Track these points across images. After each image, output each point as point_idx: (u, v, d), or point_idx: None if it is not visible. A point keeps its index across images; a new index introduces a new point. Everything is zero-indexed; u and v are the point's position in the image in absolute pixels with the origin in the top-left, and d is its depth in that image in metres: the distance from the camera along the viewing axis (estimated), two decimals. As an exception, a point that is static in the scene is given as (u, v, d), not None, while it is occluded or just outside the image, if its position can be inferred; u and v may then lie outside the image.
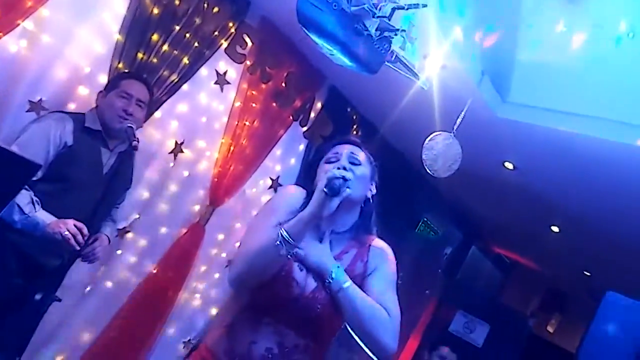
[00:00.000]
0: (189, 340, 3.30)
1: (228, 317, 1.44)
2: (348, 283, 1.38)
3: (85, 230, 1.91)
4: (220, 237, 3.28)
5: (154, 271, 2.99)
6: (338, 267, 1.41)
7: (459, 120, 2.32)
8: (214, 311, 3.38)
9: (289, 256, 1.34)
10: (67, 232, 1.87)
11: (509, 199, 4.03)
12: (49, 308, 2.02)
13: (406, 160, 4.13)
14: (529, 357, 5.58)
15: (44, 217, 1.92)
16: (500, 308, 5.84)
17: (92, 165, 2.14)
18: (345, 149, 1.54)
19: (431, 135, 2.28)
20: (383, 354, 1.39)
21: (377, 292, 1.45)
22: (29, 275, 2.02)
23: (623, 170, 2.83)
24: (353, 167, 1.50)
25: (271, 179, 3.44)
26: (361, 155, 1.55)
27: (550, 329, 7.42)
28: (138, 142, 2.03)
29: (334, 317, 1.41)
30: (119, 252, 2.81)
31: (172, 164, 2.88)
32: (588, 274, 5.46)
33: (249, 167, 3.23)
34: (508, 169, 3.39)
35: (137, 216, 2.81)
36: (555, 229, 4.37)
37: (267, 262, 1.35)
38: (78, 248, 1.90)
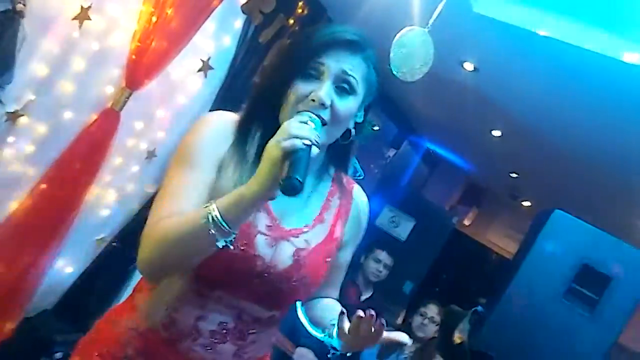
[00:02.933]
0: (102, 237, 2.96)
1: (161, 284, 1.09)
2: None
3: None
4: (139, 125, 2.82)
5: (58, 162, 2.53)
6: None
7: (435, 12, 1.94)
8: (132, 207, 3.02)
9: (226, 246, 0.94)
10: None
11: (459, 100, 3.81)
12: None
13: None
14: (446, 249, 5.82)
15: None
16: (426, 204, 5.93)
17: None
18: (335, 64, 1.02)
19: (403, 30, 1.89)
20: None
21: (341, 267, 1.23)
22: None
23: (587, 82, 2.65)
24: (339, 98, 1.02)
25: (202, 60, 2.93)
26: (359, 72, 1.05)
27: (466, 222, 7.77)
28: (25, 4, 1.49)
29: (308, 288, 1.12)
30: (10, 139, 2.31)
31: (76, 34, 2.31)
32: (515, 175, 5.57)
33: (175, 43, 2.68)
34: (466, 69, 3.11)
35: (33, 97, 2.27)
36: (496, 133, 4.27)
37: (193, 251, 0.97)
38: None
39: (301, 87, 1.02)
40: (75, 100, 2.44)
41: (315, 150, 0.92)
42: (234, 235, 0.94)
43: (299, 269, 1.08)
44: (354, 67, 1.04)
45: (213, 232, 0.91)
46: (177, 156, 1.08)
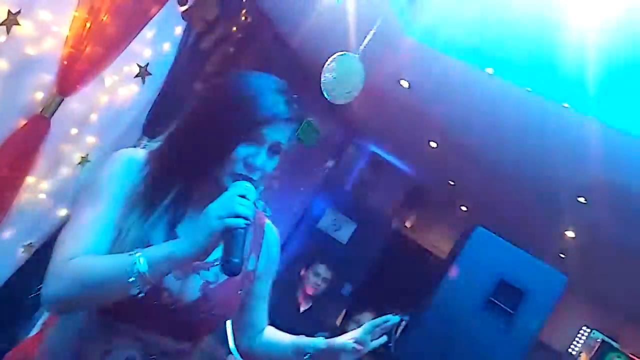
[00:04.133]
0: (30, 243, 2.88)
1: (66, 319, 1.10)
2: None
3: None
4: (74, 131, 2.76)
5: (-18, 169, 2.45)
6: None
7: (367, 39, 2.00)
8: (62, 212, 2.95)
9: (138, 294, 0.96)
10: None
11: (398, 112, 3.93)
12: None
13: (296, 56, 3.76)
14: (387, 251, 5.97)
15: None
16: (367, 208, 6.06)
17: None
18: (275, 135, 1.07)
19: (334, 55, 1.95)
20: None
21: (263, 298, 1.27)
22: None
23: (509, 108, 2.82)
24: (270, 161, 1.09)
25: (139, 65, 2.90)
26: (288, 138, 1.11)
27: (408, 224, 7.99)
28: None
29: (220, 320, 1.16)
30: None
31: (3, 38, 2.24)
32: (452, 183, 5.78)
33: (110, 50, 2.64)
34: (403, 86, 3.22)
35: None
36: (433, 144, 4.42)
37: (108, 296, 0.98)
38: None
39: (241, 151, 1.05)
40: (1, 105, 2.37)
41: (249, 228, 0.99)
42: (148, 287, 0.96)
43: (207, 301, 1.10)
44: (287, 137, 1.11)
45: (133, 281, 0.93)
46: (85, 192, 1.09)
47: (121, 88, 2.86)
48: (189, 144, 1.08)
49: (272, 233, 1.31)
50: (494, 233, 2.88)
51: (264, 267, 1.27)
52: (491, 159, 4.02)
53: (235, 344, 1.31)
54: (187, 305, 1.08)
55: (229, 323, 1.30)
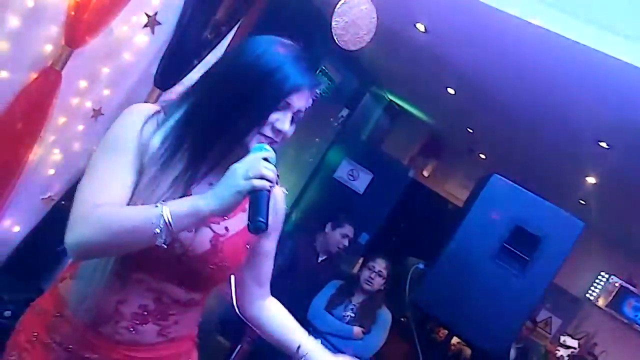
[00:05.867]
0: (49, 196, 2.93)
1: (80, 267, 1.14)
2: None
3: None
4: (83, 84, 2.74)
5: (-2, 124, 2.47)
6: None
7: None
8: (78, 166, 2.98)
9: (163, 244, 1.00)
10: None
11: (414, 58, 3.82)
12: None
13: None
14: (404, 200, 5.96)
15: None
16: (384, 157, 6.01)
17: None
18: (300, 102, 1.14)
19: (344, -2, 1.87)
20: None
21: (268, 255, 1.29)
22: None
23: (529, 51, 2.71)
24: (291, 125, 1.16)
25: (147, 15, 2.84)
26: (308, 104, 1.18)
27: (425, 173, 7.94)
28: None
29: (228, 272, 1.22)
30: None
31: (8, -10, 2.20)
32: (471, 130, 5.68)
33: (118, -1, 2.60)
34: (419, 30, 3.10)
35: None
36: (450, 90, 4.32)
37: (133, 244, 1.03)
38: None
39: (271, 116, 1.12)
40: (11, 59, 2.36)
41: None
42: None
43: (216, 253, 1.14)
44: (309, 103, 1.18)
45: (159, 232, 0.98)
46: (104, 142, 1.13)
47: (131, 38, 2.81)
48: (218, 110, 1.12)
49: (277, 192, 1.31)
50: (513, 180, 2.84)
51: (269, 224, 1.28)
52: (510, 105, 3.91)
53: (237, 304, 1.33)
54: (197, 256, 1.12)
55: (233, 281, 1.32)
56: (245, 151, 1.08)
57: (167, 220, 0.98)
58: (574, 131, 3.71)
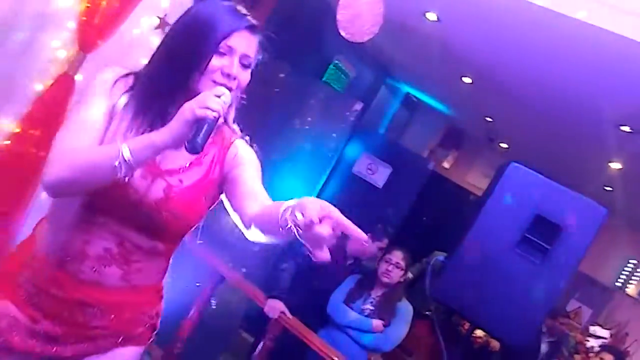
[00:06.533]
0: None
1: (53, 210, 1.28)
2: None
3: None
4: (97, 88, 2.77)
5: (16, 130, 2.51)
6: None
7: (383, -31, 1.89)
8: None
9: (124, 177, 1.12)
10: None
11: (426, 48, 3.76)
12: None
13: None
14: (424, 193, 5.90)
15: None
16: (402, 150, 5.95)
17: None
18: (242, 46, 1.23)
19: (349, -11, 1.85)
20: None
21: (252, 178, 1.30)
22: None
23: (545, 36, 2.64)
24: (241, 71, 1.24)
25: (158, 17, 2.86)
26: (254, 50, 1.27)
27: (446, 164, 7.85)
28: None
29: (184, 222, 1.28)
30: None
31: (20, -2, 2.24)
32: (490, 120, 5.59)
33: (127, 2, 2.61)
34: (429, 20, 3.05)
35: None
36: (467, 79, 4.25)
37: (98, 178, 1.14)
38: None
39: (215, 63, 1.21)
40: (24, 66, 2.40)
41: (220, 120, 1.15)
42: (133, 172, 1.14)
43: (168, 201, 1.23)
44: (254, 50, 1.27)
45: (119, 165, 1.09)
46: (81, 96, 1.26)
47: (142, 40, 2.83)
48: (169, 63, 1.24)
49: (244, 146, 1.36)
50: (535, 169, 2.77)
51: (230, 165, 1.33)
52: (529, 91, 3.83)
53: (245, 227, 1.25)
54: (150, 203, 1.22)
55: (233, 213, 1.29)
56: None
57: (125, 154, 1.08)
58: (596, 116, 3.61)
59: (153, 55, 1.29)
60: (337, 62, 4.79)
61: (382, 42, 4.36)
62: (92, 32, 2.54)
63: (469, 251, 2.64)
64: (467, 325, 5.52)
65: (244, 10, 1.28)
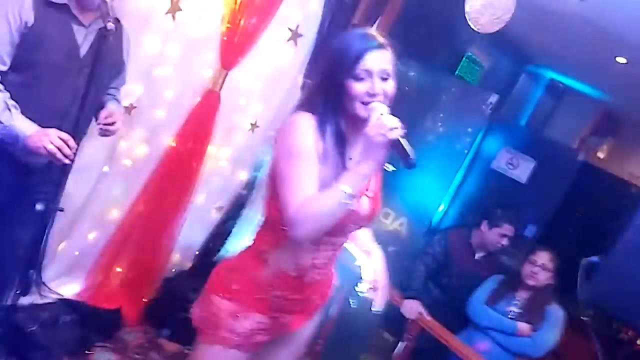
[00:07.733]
0: (220, 206, 3.26)
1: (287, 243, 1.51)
2: None
3: (71, 142, 1.73)
4: (242, 101, 3.01)
5: (173, 144, 2.82)
6: None
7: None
8: (243, 175, 3.27)
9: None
10: (51, 146, 1.69)
11: (572, 29, 3.45)
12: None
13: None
14: (576, 186, 5.40)
15: (23, 127, 1.73)
16: (548, 142, 5.52)
17: (63, 46, 1.82)
18: (376, 64, 1.40)
19: (476, -21, 1.77)
20: None
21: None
22: (21, 175, 1.90)
23: None
24: (384, 85, 1.41)
25: (289, 29, 3.00)
26: (389, 61, 1.43)
27: (600, 154, 7.12)
28: (112, 22, 1.69)
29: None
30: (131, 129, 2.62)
31: (171, 26, 2.50)
32: (652, 101, 4.96)
33: (262, 18, 2.80)
34: (572, -2, 2.81)
35: (141, 90, 2.54)
36: (621, 59, 3.82)
37: (335, 218, 1.38)
38: (67, 162, 1.74)
39: (360, 87, 1.41)
40: (178, 87, 2.68)
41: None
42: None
43: (372, 212, 1.55)
44: (388, 61, 1.43)
45: (346, 202, 1.33)
46: (289, 153, 1.41)
47: (276, 53, 3.00)
48: (326, 92, 1.45)
49: None
50: None
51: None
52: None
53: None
54: (364, 217, 1.53)
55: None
56: (360, 120, 1.40)
57: (348, 192, 1.32)
58: None
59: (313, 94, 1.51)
60: (470, 54, 4.61)
61: (518, 28, 4.10)
62: (233, 50, 2.76)
63: (625, 251, 2.39)
64: (630, 333, 4.96)
65: (372, 31, 1.47)
